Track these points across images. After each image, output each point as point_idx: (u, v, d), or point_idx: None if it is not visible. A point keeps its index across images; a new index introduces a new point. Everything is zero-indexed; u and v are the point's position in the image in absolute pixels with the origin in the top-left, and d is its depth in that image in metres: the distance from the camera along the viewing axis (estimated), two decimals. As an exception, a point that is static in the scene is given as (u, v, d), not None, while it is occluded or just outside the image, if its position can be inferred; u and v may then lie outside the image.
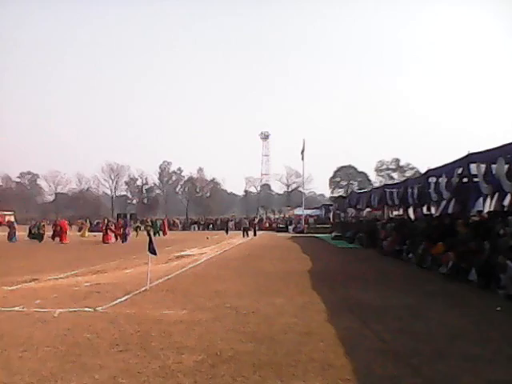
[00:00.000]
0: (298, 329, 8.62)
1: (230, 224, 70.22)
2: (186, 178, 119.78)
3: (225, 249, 30.13)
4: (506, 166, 14.10)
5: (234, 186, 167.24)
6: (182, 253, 25.95)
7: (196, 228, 76.60)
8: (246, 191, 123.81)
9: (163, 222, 56.31)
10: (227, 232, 55.60)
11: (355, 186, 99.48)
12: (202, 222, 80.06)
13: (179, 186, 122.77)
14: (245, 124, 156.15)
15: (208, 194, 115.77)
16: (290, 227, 62.25)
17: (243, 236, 47.06)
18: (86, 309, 10.33)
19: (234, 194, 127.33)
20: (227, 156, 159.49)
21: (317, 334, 8.20)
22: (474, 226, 16.85)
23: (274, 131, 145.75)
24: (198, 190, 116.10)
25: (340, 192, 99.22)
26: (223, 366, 6.54)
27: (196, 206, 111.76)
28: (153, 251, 13.24)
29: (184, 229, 75.47)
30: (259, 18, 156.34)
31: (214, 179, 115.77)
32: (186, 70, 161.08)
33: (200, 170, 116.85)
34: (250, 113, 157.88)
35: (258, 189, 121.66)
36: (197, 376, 6.13)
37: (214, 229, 72.72)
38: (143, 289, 12.73)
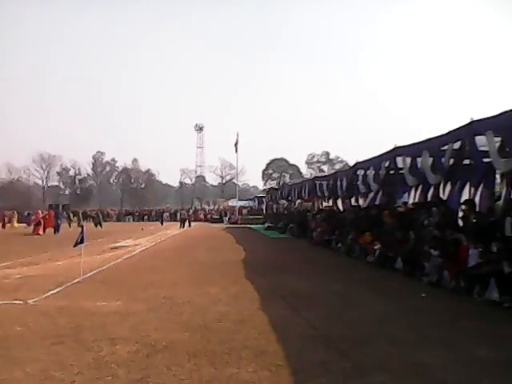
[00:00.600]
0: (231, 317, 8.69)
1: (165, 215, 69.59)
2: (120, 168, 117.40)
3: (160, 240, 29.88)
4: (431, 159, 14.59)
5: (169, 177, 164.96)
6: (117, 244, 25.57)
7: (131, 219, 75.47)
8: (181, 182, 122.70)
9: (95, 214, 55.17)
10: (162, 223, 55.09)
11: (287, 178, 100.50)
12: (137, 213, 78.88)
13: (113, 177, 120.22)
14: (179, 116, 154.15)
15: (143, 185, 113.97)
16: (226, 218, 62.33)
17: (180, 227, 46.95)
18: (17, 301, 10.04)
19: (168, 186, 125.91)
20: (162, 147, 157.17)
21: (250, 322, 8.29)
22: (400, 216, 17.42)
23: (209, 123, 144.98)
24: (132, 181, 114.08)
25: (272, 184, 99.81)
26: (158, 355, 6.52)
27: (131, 197, 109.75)
28: (80, 241, 12.95)
29: (118, 220, 74.17)
30: (189, 12, 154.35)
31: (148, 170, 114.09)
32: (120, 59, 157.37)
33: (135, 160, 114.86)
34: (185, 104, 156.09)
35: (193, 180, 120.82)
36: (131, 366, 6.07)
37: (149, 220, 71.75)
38: (76, 280, 12.49)
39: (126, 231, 38.48)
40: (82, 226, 14.23)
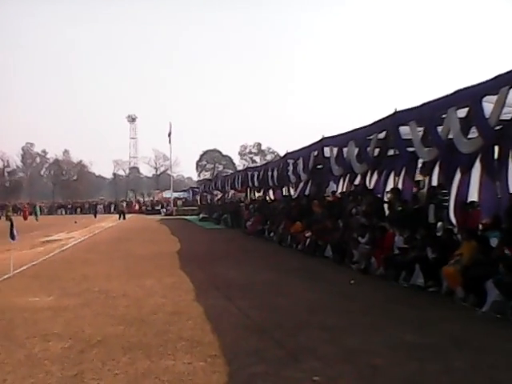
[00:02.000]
0: (167, 309, 8.61)
1: (99, 207, 68.06)
2: (51, 160, 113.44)
3: (94, 232, 29.22)
4: (357, 149, 14.91)
5: (102, 168, 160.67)
6: (49, 238, 24.78)
7: (63, 212, 73.32)
8: (114, 174, 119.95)
9: (24, 207, 53.35)
10: (96, 215, 53.87)
11: (221, 169, 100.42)
12: (70, 206, 76.64)
13: (44, 169, 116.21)
14: (111, 106, 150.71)
15: (75, 177, 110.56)
16: (163, 210, 61.50)
17: (119, 219, 46.63)
18: None
19: (102, 177, 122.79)
20: (94, 138, 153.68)
21: (185, 313, 8.23)
22: (329, 205, 17.76)
23: (142, 114, 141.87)
24: (64, 173, 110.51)
25: (206, 175, 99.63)
26: (92, 350, 6.36)
27: (62, 190, 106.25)
28: (12, 236, 12.54)
29: (50, 213, 71.77)
30: (123, 4, 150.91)
31: (80, 161, 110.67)
32: (52, 49, 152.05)
33: (66, 152, 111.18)
34: (117, 95, 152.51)
35: (127, 172, 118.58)
36: (65, 363, 5.90)
37: (82, 212, 69.87)
38: (6, 276, 12.05)
39: (59, 224, 37.35)
40: (11, 220, 13.72)
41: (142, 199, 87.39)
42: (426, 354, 6.06)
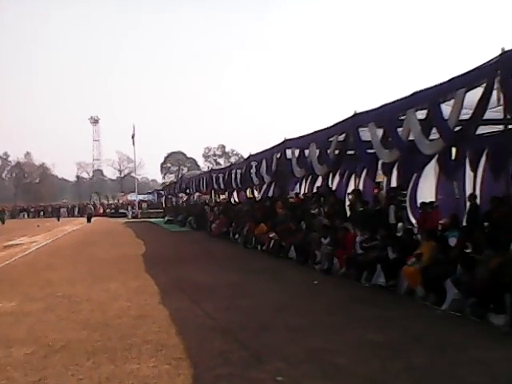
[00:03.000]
0: (131, 313, 8.52)
1: (63, 210, 66.96)
2: (13, 163, 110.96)
3: (57, 236, 28.74)
4: (317, 151, 15.01)
5: (65, 171, 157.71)
6: (11, 242, 24.29)
7: (26, 215, 71.79)
8: (77, 177, 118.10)
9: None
10: (59, 219, 52.97)
11: (185, 172, 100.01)
12: (32, 210, 75.09)
13: (6, 172, 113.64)
14: (74, 108, 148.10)
15: (37, 180, 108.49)
16: (129, 212, 60.74)
17: (88, 222, 46.33)
18: None
19: (65, 180, 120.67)
20: (56, 140, 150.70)
21: (150, 317, 8.15)
22: (292, 207, 17.86)
23: (105, 116, 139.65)
24: (26, 176, 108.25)
25: (171, 177, 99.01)
26: (56, 356, 6.24)
27: (25, 193, 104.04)
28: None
29: (13, 217, 70.10)
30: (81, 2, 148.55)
31: (43, 164, 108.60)
32: (11, 49, 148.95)
33: (28, 154, 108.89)
34: (79, 96, 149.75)
35: (91, 174, 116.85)
36: (28, 369, 5.78)
37: (45, 216, 68.58)
38: (-33, 282, 11.74)
39: (21, 228, 36.62)
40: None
41: (106, 202, 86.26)
42: (387, 352, 6.13)
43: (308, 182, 19.82)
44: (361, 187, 16.00)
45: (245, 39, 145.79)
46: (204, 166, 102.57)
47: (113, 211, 65.61)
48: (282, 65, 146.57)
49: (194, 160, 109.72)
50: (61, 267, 14.60)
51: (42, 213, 72.10)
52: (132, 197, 70.77)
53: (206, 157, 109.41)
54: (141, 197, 68.99)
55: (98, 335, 7.15)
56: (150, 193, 76.84)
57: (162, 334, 7.08)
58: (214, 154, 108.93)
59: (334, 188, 17.49)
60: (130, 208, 63.00)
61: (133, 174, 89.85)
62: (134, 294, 10.26)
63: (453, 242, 9.52)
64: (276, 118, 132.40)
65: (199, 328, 7.45)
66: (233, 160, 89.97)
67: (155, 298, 9.69)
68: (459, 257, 8.44)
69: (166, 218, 42.49)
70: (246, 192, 26.67)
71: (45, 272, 13.55)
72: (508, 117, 8.65)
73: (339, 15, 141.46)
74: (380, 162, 14.10)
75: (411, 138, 10.46)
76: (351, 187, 16.02)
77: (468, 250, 8.68)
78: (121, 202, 79.87)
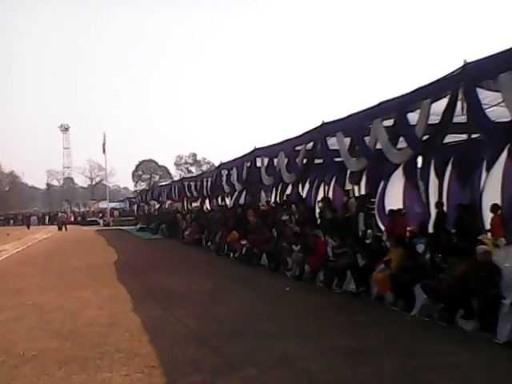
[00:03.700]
0: (103, 321, 8.41)
1: (33, 219, 65.85)
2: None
3: (27, 244, 28.24)
4: (286, 160, 15.09)
5: (35, 179, 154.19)
6: (-20, 251, 23.70)
7: (-5, 224, 70.31)
8: (48, 185, 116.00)
9: None
10: (29, 227, 52.09)
11: (157, 179, 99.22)
12: (2, 218, 73.54)
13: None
14: (43, 115, 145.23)
15: (7, 188, 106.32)
16: (101, 220, 60.02)
17: (59, 229, 46.28)
18: None
19: (35, 188, 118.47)
20: (26, 148, 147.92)
21: (122, 325, 8.07)
22: (263, 214, 17.90)
23: (75, 124, 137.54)
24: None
25: (143, 185, 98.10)
26: (26, 365, 6.12)
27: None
28: None
29: (-18, 225, 68.72)
30: (58, 11, 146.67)
31: (12, 172, 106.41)
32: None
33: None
34: (49, 104, 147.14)
35: (61, 182, 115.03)
36: (-2, 378, 5.67)
37: (15, 224, 67.26)
38: None
39: (-10, 237, 35.80)
40: None
41: (77, 210, 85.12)
42: (358, 357, 6.16)
43: (279, 189, 19.91)
44: (330, 195, 16.14)
45: (214, 46, 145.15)
46: (176, 174, 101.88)
47: (87, 219, 64.73)
48: (252, 73, 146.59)
49: (165, 168, 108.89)
50: (31, 276, 14.36)
51: (11, 221, 70.69)
52: (103, 205, 69.80)
53: (177, 165, 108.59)
54: (112, 204, 68.15)
55: (69, 344, 7.05)
56: (121, 200, 76.00)
57: (134, 342, 7.01)
58: (186, 162, 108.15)
59: (304, 196, 17.59)
60: (100, 215, 62.35)
61: (104, 182, 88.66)
62: (105, 301, 10.15)
63: (420, 248, 9.67)
64: (247, 126, 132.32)
65: (172, 336, 7.40)
66: (204, 168, 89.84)
67: (127, 306, 9.60)
68: (426, 263, 8.56)
69: (139, 226, 42.14)
70: (217, 200, 26.64)
71: (15, 281, 13.32)
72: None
73: (306, 24, 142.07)
74: (349, 171, 14.29)
75: (378, 146, 10.59)
76: (321, 195, 16.13)
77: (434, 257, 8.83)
78: (92, 209, 78.87)
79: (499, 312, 6.75)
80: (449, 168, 12.97)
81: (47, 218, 70.05)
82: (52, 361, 6.27)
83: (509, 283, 6.99)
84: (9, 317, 8.89)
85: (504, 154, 10.86)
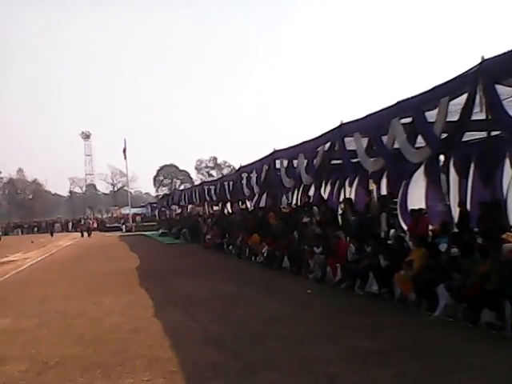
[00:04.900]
0: (125, 327, 8.49)
1: (56, 226, 66.72)
2: (5, 179, 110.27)
3: (51, 252, 28.63)
4: (305, 161, 15.09)
5: (58, 186, 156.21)
6: (4, 259, 24.10)
7: (20, 232, 71.36)
8: (70, 192, 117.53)
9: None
10: (52, 234, 52.79)
11: (178, 184, 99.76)
12: (26, 226, 74.67)
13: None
14: (65, 123, 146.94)
15: (31, 196, 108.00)
16: (123, 226, 60.62)
17: (87, 236, 47.44)
18: None
19: (58, 195, 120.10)
20: (49, 156, 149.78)
21: (144, 331, 8.13)
22: (284, 217, 17.88)
23: (96, 130, 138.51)
24: (19, 192, 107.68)
25: (164, 190, 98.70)
26: (50, 372, 6.22)
27: (18, 209, 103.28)
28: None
29: (7, 233, 69.68)
30: (66, 17, 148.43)
31: (35, 180, 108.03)
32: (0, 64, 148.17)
33: (20, 170, 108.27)
34: (70, 112, 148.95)
35: (84, 189, 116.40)
36: (22, 386, 5.77)
37: (39, 232, 68.11)
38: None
39: (15, 245, 36.32)
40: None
41: (100, 216, 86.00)
42: (380, 360, 6.13)
43: (300, 191, 19.90)
44: (352, 196, 16.08)
45: (240, 49, 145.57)
46: (197, 178, 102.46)
47: (108, 225, 65.36)
48: (272, 76, 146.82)
49: (186, 172, 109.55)
50: (55, 283, 14.55)
51: (36, 229, 71.64)
52: (126, 210, 70.50)
53: (198, 169, 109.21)
54: (134, 210, 68.76)
55: (92, 350, 7.12)
56: (143, 206, 76.61)
57: (155, 348, 7.06)
58: (207, 166, 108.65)
59: (326, 197, 17.55)
60: (122, 221, 62.87)
61: (126, 188, 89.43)
62: (127, 308, 10.25)
63: (443, 247, 9.58)
64: (268, 128, 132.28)
65: (193, 340, 7.44)
66: (225, 171, 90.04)
67: (149, 312, 9.66)
68: (449, 261, 8.48)
69: (161, 231, 42.40)
70: (238, 203, 26.69)
71: (39, 288, 13.50)
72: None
73: (326, 27, 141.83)
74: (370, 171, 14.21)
75: (396, 146, 10.54)
76: (342, 196, 16.08)
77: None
78: (114, 215, 79.62)
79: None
80: (472, 166, 12.86)
81: (70, 224, 70.85)
82: (75, 367, 6.35)
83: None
84: (33, 324, 9.02)
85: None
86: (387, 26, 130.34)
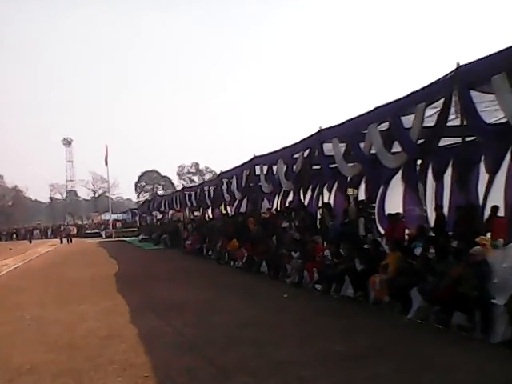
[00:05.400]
0: (100, 333, 8.43)
1: (36, 232, 66.00)
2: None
3: (29, 258, 28.30)
4: (285, 167, 15.15)
5: (39, 193, 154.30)
6: (-19, 266, 23.76)
7: (-2, 239, 70.41)
8: (51, 198, 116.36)
9: None
10: (30, 241, 52.25)
11: (160, 190, 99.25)
12: (5, 233, 73.63)
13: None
14: (46, 129, 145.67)
15: (10, 203, 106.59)
16: (103, 232, 60.20)
17: (67, 242, 47.12)
18: None
19: (38, 202, 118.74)
20: (29, 163, 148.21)
21: (119, 337, 8.09)
22: (264, 222, 17.91)
23: (77, 137, 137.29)
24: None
25: (146, 196, 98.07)
26: (21, 379, 6.16)
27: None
28: None
29: (-16, 240, 68.78)
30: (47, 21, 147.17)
31: (15, 187, 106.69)
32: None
33: (0, 177, 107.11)
34: (51, 118, 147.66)
35: (64, 195, 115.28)
36: (-9, 393, 5.70)
37: (18, 238, 67.20)
38: None
39: (-7, 252, 35.86)
40: None
41: (80, 222, 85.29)
42: (353, 362, 6.18)
43: (280, 197, 19.97)
44: (331, 201, 16.15)
45: (218, 53, 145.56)
46: (178, 183, 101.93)
47: (87, 231, 64.91)
48: (253, 81, 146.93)
49: (168, 178, 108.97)
50: (31, 289, 14.40)
51: (14, 235, 70.73)
52: (106, 216, 70.02)
53: (180, 175, 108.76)
54: (115, 216, 68.26)
55: (65, 357, 7.07)
56: (124, 212, 76.08)
57: (129, 354, 7.03)
58: (188, 172, 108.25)
59: (305, 202, 17.62)
60: (102, 227, 62.49)
61: (107, 194, 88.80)
62: (103, 314, 10.17)
63: (418, 251, 9.67)
64: (248, 133, 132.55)
65: (168, 345, 7.42)
66: (207, 177, 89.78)
67: (125, 318, 9.61)
68: (423, 266, 8.57)
69: (141, 237, 42.21)
70: (219, 208, 26.69)
71: (15, 295, 13.35)
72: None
73: (305, 31, 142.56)
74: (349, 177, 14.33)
75: (373, 151, 10.62)
76: (322, 201, 16.15)
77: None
78: (95, 222, 79.02)
79: (493, 313, 6.78)
80: (449, 170, 13.00)
81: (50, 231, 70.12)
82: (46, 374, 6.29)
83: (503, 284, 7.01)
84: (6, 331, 8.93)
85: (508, 157, 10.92)
86: (367, 33, 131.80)
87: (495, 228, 10.35)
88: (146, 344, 7.50)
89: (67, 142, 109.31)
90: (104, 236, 56.38)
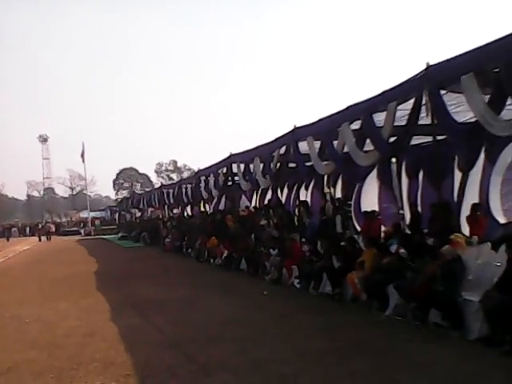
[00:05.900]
0: (80, 331, 8.37)
1: (14, 230, 65.14)
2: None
3: (7, 256, 27.91)
4: (262, 165, 15.20)
5: (16, 190, 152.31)
6: (-43, 265, 23.39)
7: (-26, 237, 69.33)
8: (28, 196, 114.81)
9: None
10: (8, 239, 51.53)
11: (138, 188, 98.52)
12: (-19, 231, 72.53)
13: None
14: (22, 126, 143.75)
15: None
16: (82, 230, 59.64)
17: (46, 240, 46.65)
18: None
19: (15, 199, 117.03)
20: (5, 160, 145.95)
21: (99, 335, 8.04)
22: (242, 220, 17.95)
23: (54, 134, 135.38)
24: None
25: (124, 193, 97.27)
26: (0, 378, 6.08)
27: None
28: None
29: (-39, 239, 67.69)
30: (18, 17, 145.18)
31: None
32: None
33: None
34: (26, 114, 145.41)
35: (42, 193, 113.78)
36: (-29, 393, 5.63)
37: (-5, 236, 66.40)
38: None
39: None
40: None
41: (59, 220, 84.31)
42: (331, 359, 6.23)
43: (259, 194, 20.02)
44: (308, 198, 16.25)
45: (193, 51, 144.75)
46: (157, 181, 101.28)
47: (66, 229, 64.21)
48: (231, 78, 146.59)
49: (146, 176, 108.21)
50: (10, 288, 14.23)
51: (-9, 233, 69.75)
52: (85, 214, 69.28)
53: (158, 172, 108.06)
54: (93, 214, 67.64)
55: (45, 355, 7.01)
56: (103, 209, 75.42)
57: (110, 352, 6.99)
58: (167, 170, 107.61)
59: (283, 200, 17.70)
60: (81, 225, 61.88)
61: (85, 192, 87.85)
62: (84, 312, 10.09)
63: (394, 249, 9.77)
64: (227, 131, 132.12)
65: (148, 343, 7.39)
66: (185, 175, 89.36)
67: (105, 316, 9.54)
68: (398, 263, 8.67)
69: (120, 235, 41.94)
70: (198, 206, 26.66)
71: (-8, 294, 13.17)
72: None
73: (282, 30, 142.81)
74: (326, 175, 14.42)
75: (346, 150, 10.72)
76: (299, 199, 16.24)
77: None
78: (73, 219, 78.19)
79: (462, 310, 6.90)
80: (421, 169, 13.16)
81: (28, 229, 69.25)
82: (27, 373, 6.24)
83: (478, 281, 7.13)
84: (-15, 330, 8.82)
85: (482, 156, 11.10)
86: (343, 32, 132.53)
87: (474, 225, 10.51)
88: (126, 342, 7.48)
89: (43, 139, 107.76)
90: (83, 234, 55.88)
